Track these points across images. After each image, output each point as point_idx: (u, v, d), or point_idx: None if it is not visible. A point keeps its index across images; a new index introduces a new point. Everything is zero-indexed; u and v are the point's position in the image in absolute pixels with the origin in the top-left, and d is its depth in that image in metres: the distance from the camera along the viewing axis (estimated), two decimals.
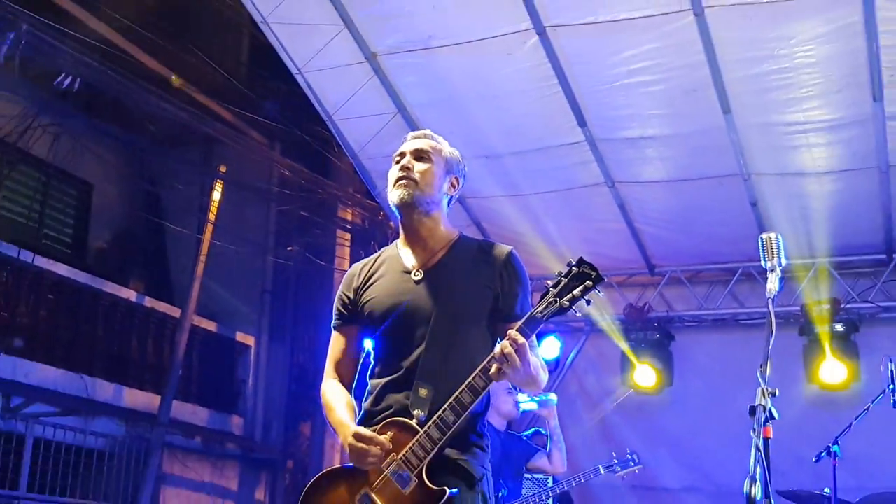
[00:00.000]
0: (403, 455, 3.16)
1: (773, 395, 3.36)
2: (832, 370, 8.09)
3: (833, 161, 7.31)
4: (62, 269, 11.07)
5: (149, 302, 12.07)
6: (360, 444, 3.17)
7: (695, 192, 7.77)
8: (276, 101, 11.69)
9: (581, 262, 3.17)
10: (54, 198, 12.27)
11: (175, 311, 12.03)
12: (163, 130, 10.97)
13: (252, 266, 13.27)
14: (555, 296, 3.14)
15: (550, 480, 7.06)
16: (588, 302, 3.15)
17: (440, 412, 3.14)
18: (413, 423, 3.20)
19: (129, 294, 11.94)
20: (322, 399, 3.49)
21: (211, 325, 12.78)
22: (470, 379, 3.14)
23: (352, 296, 3.51)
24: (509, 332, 3.08)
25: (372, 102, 7.45)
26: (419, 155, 3.53)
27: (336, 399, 3.43)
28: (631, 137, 7.40)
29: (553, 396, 6.69)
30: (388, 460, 3.17)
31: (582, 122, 7.24)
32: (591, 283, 3.14)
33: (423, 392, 3.25)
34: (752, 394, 3.37)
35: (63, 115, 10.59)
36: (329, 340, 3.60)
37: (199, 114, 10.96)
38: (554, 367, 9.41)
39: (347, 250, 12.10)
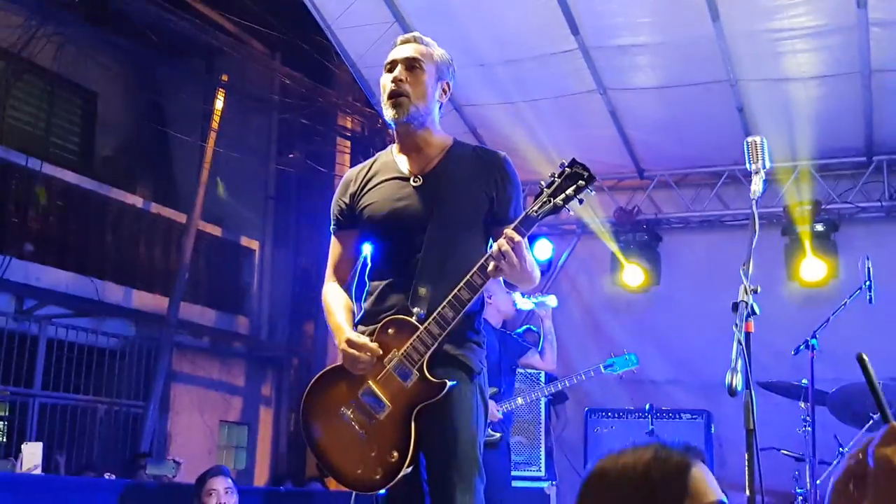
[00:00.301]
0: (405, 350, 3.30)
1: (756, 291, 3.50)
2: (812, 268, 8.35)
3: (817, 67, 7.47)
4: (70, 177, 11.24)
5: (155, 208, 12.26)
6: (352, 350, 3.31)
7: (683, 98, 7.91)
8: (276, 11, 11.75)
9: (573, 162, 3.29)
10: (60, 107, 12.37)
11: (181, 217, 12.22)
12: (165, 40, 11.03)
13: (255, 173, 13.44)
14: (549, 195, 3.26)
15: (543, 376, 7.38)
16: (580, 201, 3.30)
17: (439, 308, 3.26)
18: (413, 320, 3.32)
19: (136, 200, 12.13)
20: (322, 301, 3.59)
21: (216, 230, 12.99)
22: (468, 276, 3.26)
23: (348, 201, 3.58)
24: (506, 230, 3.21)
25: (369, 11, 7.54)
26: (410, 64, 3.52)
27: (335, 302, 3.53)
28: (622, 45, 7.50)
29: (552, 301, 6.87)
30: (389, 355, 3.32)
31: (575, 30, 7.33)
32: (583, 182, 3.26)
33: (422, 291, 3.35)
34: (736, 291, 3.50)
35: (66, 25, 10.65)
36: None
37: (200, 24, 11.04)
38: (546, 268, 9.65)
39: (347, 157, 12.26)
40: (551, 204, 3.26)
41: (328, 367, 3.58)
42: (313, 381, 3.54)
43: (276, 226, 13.66)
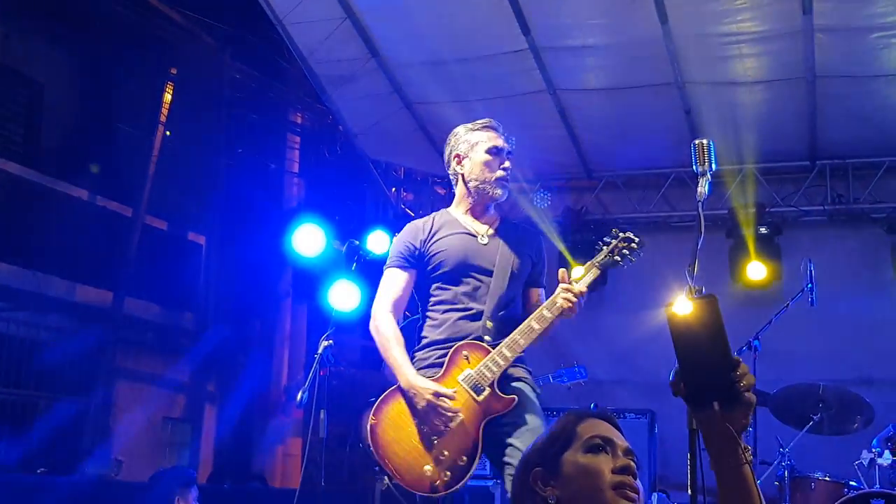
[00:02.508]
0: (479, 369, 3.91)
1: (700, 293, 3.52)
2: (756, 270, 8.49)
3: (763, 71, 7.60)
4: (14, 168, 11.05)
5: (101, 201, 12.07)
6: (441, 402, 3.84)
7: (632, 100, 8.00)
8: (228, 6, 11.65)
9: (625, 229, 4.14)
10: (5, 97, 12.16)
11: (127, 210, 12.08)
12: (114, 32, 10.88)
13: (204, 167, 13.32)
14: (607, 253, 4.05)
15: None
16: (632, 260, 4.08)
17: (512, 335, 3.90)
18: (485, 344, 3.96)
19: (81, 193, 11.94)
20: (377, 331, 4.12)
21: (163, 224, 12.85)
22: (539, 311, 3.92)
23: (418, 245, 4.18)
24: (578, 286, 3.88)
25: (321, 7, 7.50)
26: (508, 155, 4.26)
27: (395, 338, 4.08)
28: (572, 46, 7.57)
29: None
30: (463, 374, 3.92)
31: (526, 31, 7.38)
32: (635, 245, 4.08)
33: (489, 325, 4.00)
34: (681, 292, 3.50)
35: (12, 16, 10.47)
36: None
37: (150, 16, 10.91)
38: None
39: (297, 153, 12.22)
40: (611, 260, 4.05)
41: (389, 390, 4.06)
42: (387, 392, 4.04)
43: (223, 221, 13.54)
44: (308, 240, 8.07)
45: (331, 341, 6.17)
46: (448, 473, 3.84)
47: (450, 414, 3.83)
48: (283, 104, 11.91)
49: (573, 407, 8.15)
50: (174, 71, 11.98)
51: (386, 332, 4.09)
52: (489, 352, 3.93)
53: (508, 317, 4.05)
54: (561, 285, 3.88)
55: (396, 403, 3.99)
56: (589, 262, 4.05)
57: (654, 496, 7.25)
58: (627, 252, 4.06)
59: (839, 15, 6.92)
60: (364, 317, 7.89)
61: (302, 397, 6.14)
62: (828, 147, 8.61)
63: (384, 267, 4.29)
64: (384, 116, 8.61)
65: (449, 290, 4.11)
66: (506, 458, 3.83)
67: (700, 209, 3.36)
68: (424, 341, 4.14)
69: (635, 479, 2.06)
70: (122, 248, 11.76)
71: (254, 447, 12.47)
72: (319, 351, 6.08)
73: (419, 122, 8.71)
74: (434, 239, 4.18)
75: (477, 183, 4.21)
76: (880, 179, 8.70)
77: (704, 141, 3.52)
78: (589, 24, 7.37)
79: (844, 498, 6.10)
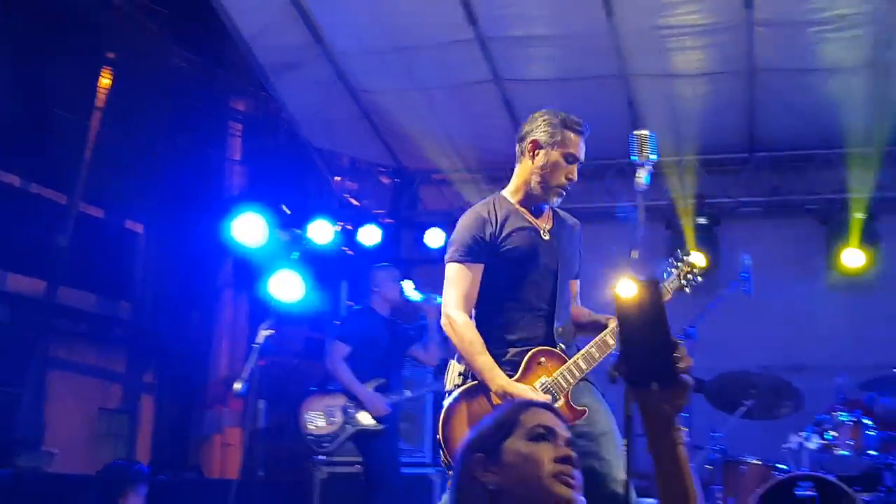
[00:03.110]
0: (554, 378, 3.81)
1: (644, 277, 3.74)
2: (693, 260, 8.63)
3: (705, 64, 7.73)
4: None
5: (34, 188, 11.84)
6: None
7: (576, 90, 8.03)
8: None
9: (687, 252, 4.17)
10: None
11: (62, 198, 11.85)
12: (50, 14, 10.65)
13: (142, 154, 13.11)
14: (677, 276, 4.07)
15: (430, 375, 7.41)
16: (691, 286, 4.09)
17: (589, 348, 3.87)
18: (559, 352, 3.90)
19: (13, 179, 11.69)
20: (456, 333, 3.91)
21: (99, 212, 12.63)
22: (599, 338, 3.88)
23: (488, 239, 4.01)
24: None
25: None
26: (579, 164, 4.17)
27: (479, 341, 3.88)
28: (518, 36, 7.62)
29: (439, 298, 6.96)
30: (539, 381, 3.83)
31: (472, 20, 7.42)
32: (697, 272, 4.10)
33: (559, 330, 3.95)
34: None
35: None
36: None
37: None
38: (438, 256, 9.74)
39: (239, 141, 12.08)
40: (678, 283, 4.07)
41: (468, 386, 3.91)
42: (460, 392, 3.89)
43: (162, 209, 13.34)
44: (249, 228, 7.98)
45: (271, 331, 6.14)
46: None
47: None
48: (225, 91, 11.76)
49: None
50: (112, 55, 11.76)
51: (467, 335, 3.88)
52: (565, 360, 3.87)
53: (569, 316, 4.07)
54: None
55: (480, 403, 3.83)
56: (665, 288, 4.03)
57: None
58: (691, 277, 4.10)
59: (779, 9, 7.07)
60: (307, 307, 7.92)
61: (241, 387, 6.11)
62: (765, 139, 8.78)
63: (448, 259, 4.07)
64: (328, 104, 8.57)
65: (518, 287, 4.00)
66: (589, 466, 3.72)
67: (640, 200, 3.41)
68: (509, 340, 3.96)
69: (575, 468, 2.09)
70: (56, 237, 11.54)
71: (192, 438, 12.35)
72: (259, 341, 6.06)
73: (364, 110, 8.69)
74: (503, 232, 4.03)
75: (539, 180, 4.08)
76: (815, 171, 8.88)
77: (645, 132, 3.60)
78: (535, 15, 7.42)
79: (773, 480, 6.27)
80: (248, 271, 9.50)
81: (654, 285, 1.86)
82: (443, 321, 3.98)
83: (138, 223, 13.16)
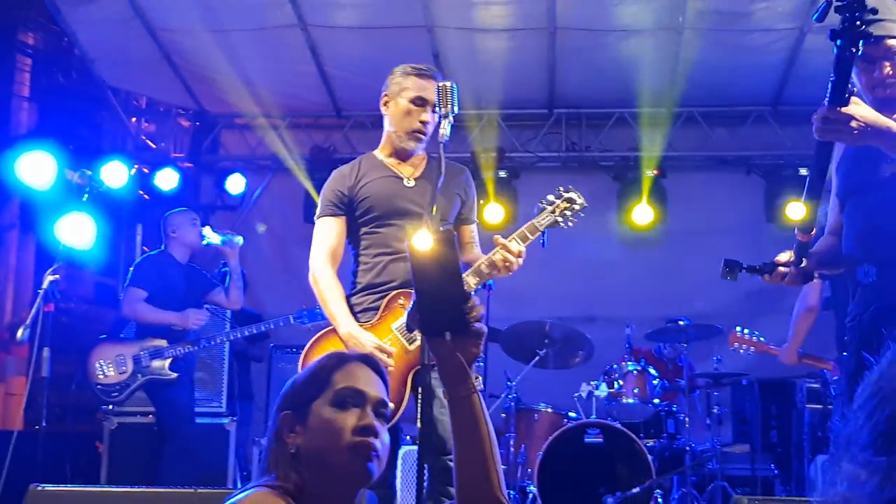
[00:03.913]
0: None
1: (439, 228, 3.73)
2: (493, 212, 8.77)
3: (508, 20, 7.83)
4: None
5: None
6: (382, 356, 3.77)
7: (383, 40, 7.98)
8: None
9: (569, 189, 4.09)
10: None
11: None
12: None
13: None
14: (550, 212, 4.00)
15: (229, 314, 7.32)
16: (573, 221, 4.06)
17: None
18: None
19: None
20: (315, 282, 4.08)
21: None
22: (477, 265, 3.87)
23: (346, 192, 4.15)
24: (518, 247, 3.85)
25: None
26: (433, 107, 4.03)
27: (334, 289, 4.04)
28: None
29: (239, 239, 6.80)
30: (397, 322, 3.93)
31: None
32: (577, 206, 4.05)
33: None
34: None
35: None
36: None
37: None
38: (239, 203, 9.58)
39: (28, 76, 11.41)
40: (552, 219, 4.00)
41: (328, 329, 4.06)
42: (313, 339, 4.08)
43: None
44: (37, 168, 7.58)
45: (57, 276, 5.90)
46: None
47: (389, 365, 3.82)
48: (13, 22, 11.06)
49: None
50: None
51: (323, 282, 4.06)
52: None
53: None
54: (499, 242, 3.86)
55: (336, 345, 3.96)
56: (530, 223, 4.00)
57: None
58: (570, 213, 4.05)
59: None
60: (99, 252, 7.64)
61: (23, 334, 5.86)
62: (565, 96, 9.02)
63: (315, 217, 4.26)
64: (125, 42, 8.19)
65: (378, 233, 4.12)
66: (434, 411, 3.81)
67: (441, 150, 3.45)
68: (359, 286, 4.12)
69: (377, 437, 2.03)
70: None
71: None
72: (44, 286, 5.81)
73: (163, 50, 8.35)
74: (361, 184, 4.17)
75: (395, 129, 4.18)
76: (610, 129, 9.21)
77: (448, 83, 3.60)
78: None
79: (564, 427, 6.54)
80: (35, 213, 9.06)
81: (448, 237, 1.89)
82: (309, 275, 4.13)
83: None
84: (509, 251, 3.83)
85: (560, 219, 4.02)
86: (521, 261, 3.88)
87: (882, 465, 1.04)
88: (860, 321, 3.46)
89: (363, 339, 3.88)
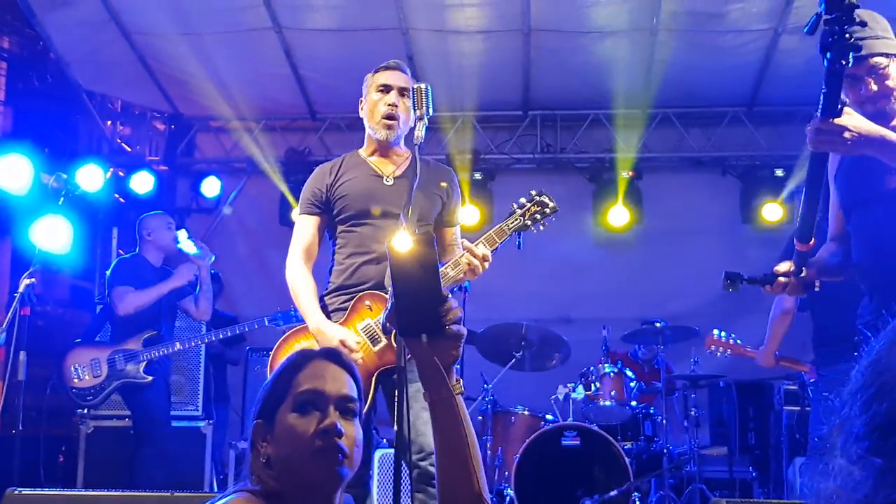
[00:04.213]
0: (378, 319, 3.91)
1: (417, 230, 3.88)
2: (469, 214, 8.72)
3: (483, 22, 7.83)
4: None
5: None
6: (346, 350, 3.78)
7: (357, 42, 7.98)
8: None
9: (541, 193, 4.08)
10: None
11: None
12: None
13: None
14: (520, 215, 4.01)
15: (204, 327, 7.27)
16: (544, 225, 4.05)
17: None
18: (386, 295, 3.81)
19: None
20: (289, 279, 4.11)
21: None
22: (444, 268, 3.82)
23: (324, 189, 4.15)
24: (482, 251, 3.86)
25: None
26: (402, 92, 4.11)
27: (304, 285, 4.06)
28: None
29: (212, 257, 6.76)
30: (363, 323, 3.95)
31: None
32: (548, 210, 4.05)
33: None
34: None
35: None
36: None
37: None
38: (214, 206, 9.55)
39: (3, 80, 11.34)
40: (521, 222, 4.00)
41: (296, 328, 4.12)
42: (280, 340, 4.11)
43: None
44: (13, 172, 7.53)
45: (33, 280, 5.87)
46: None
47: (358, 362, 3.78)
48: None
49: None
50: None
51: (294, 278, 4.08)
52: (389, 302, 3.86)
53: None
54: (465, 246, 3.88)
55: (303, 342, 4.02)
56: (499, 226, 4.01)
57: None
58: (540, 216, 4.04)
59: None
60: (74, 255, 7.59)
61: None
62: (539, 98, 9.04)
63: (295, 215, 4.28)
64: (100, 45, 8.16)
65: (354, 233, 4.10)
66: (410, 413, 3.77)
67: (416, 152, 3.44)
68: (331, 286, 4.12)
69: (341, 437, 2.00)
70: None
71: None
72: (20, 290, 5.78)
73: (138, 53, 8.32)
74: (339, 182, 4.15)
75: (368, 122, 4.17)
76: (585, 131, 9.23)
77: (423, 85, 3.59)
78: None
79: (541, 430, 6.54)
80: (11, 217, 9.00)
81: (427, 239, 1.89)
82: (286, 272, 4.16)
83: None
84: (474, 255, 3.84)
85: (530, 222, 4.03)
86: (486, 264, 3.89)
87: (878, 466, 1.00)
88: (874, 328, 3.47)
89: (329, 333, 3.90)
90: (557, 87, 8.85)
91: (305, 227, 4.20)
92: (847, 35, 2.64)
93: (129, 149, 9.43)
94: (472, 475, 1.96)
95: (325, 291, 4.14)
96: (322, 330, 3.92)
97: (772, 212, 8.97)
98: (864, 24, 2.68)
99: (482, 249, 3.87)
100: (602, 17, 7.76)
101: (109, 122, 9.31)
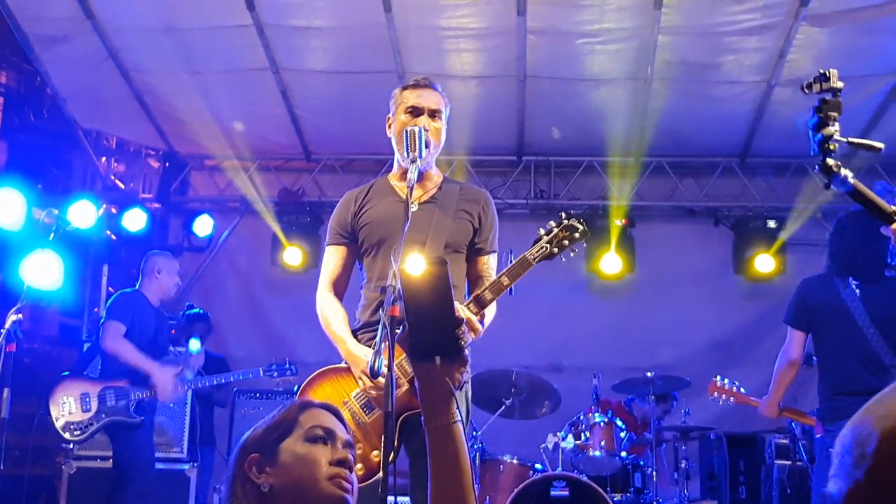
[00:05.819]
0: (399, 362, 3.50)
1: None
2: None
3: (478, 67, 7.89)
4: None
5: None
6: (375, 393, 3.55)
7: (353, 84, 8.03)
8: None
9: (570, 216, 3.68)
10: None
11: None
12: None
13: None
14: (546, 242, 3.63)
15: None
16: (573, 251, 3.67)
17: None
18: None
19: None
20: (319, 311, 3.88)
21: None
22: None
23: (350, 219, 3.94)
24: (469, 319, 3.51)
25: None
26: (433, 114, 3.88)
27: (336, 315, 3.84)
28: (298, 26, 7.53)
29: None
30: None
31: (251, 6, 7.28)
32: (578, 235, 3.65)
33: None
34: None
35: None
36: None
37: None
38: (206, 244, 9.52)
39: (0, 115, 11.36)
40: (547, 250, 3.62)
41: (330, 367, 3.79)
42: (314, 375, 3.79)
43: None
44: (6, 207, 7.51)
45: (20, 315, 5.82)
46: (361, 466, 3.54)
47: (373, 395, 3.60)
48: None
49: (277, 388, 8.15)
50: None
51: (322, 307, 3.89)
52: None
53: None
54: (472, 321, 3.58)
55: (341, 374, 3.76)
56: (523, 256, 3.63)
57: None
58: (568, 242, 3.64)
59: (550, 18, 7.31)
60: (64, 292, 7.54)
61: None
62: (533, 144, 9.07)
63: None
64: (97, 82, 8.18)
65: (377, 265, 3.85)
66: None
67: (409, 194, 3.43)
68: (358, 323, 3.86)
69: (351, 472, 2.13)
70: None
71: None
72: (7, 326, 5.73)
73: (135, 91, 8.34)
74: (363, 210, 3.94)
75: (396, 148, 3.90)
76: (579, 177, 9.26)
77: (416, 129, 3.59)
78: (315, 5, 7.35)
79: (530, 479, 6.46)
80: (2, 251, 8.95)
81: (442, 264, 1.91)
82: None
83: None
84: (472, 328, 3.60)
85: (556, 249, 3.63)
86: (474, 334, 3.63)
87: None
88: None
89: (359, 360, 3.65)
90: (551, 134, 8.87)
91: (332, 259, 3.99)
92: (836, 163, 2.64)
93: (122, 186, 9.41)
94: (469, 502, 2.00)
95: (353, 328, 3.87)
96: (354, 356, 3.67)
97: (764, 263, 8.96)
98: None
99: (467, 312, 3.57)
100: (597, 66, 7.81)
101: (104, 159, 9.30)
